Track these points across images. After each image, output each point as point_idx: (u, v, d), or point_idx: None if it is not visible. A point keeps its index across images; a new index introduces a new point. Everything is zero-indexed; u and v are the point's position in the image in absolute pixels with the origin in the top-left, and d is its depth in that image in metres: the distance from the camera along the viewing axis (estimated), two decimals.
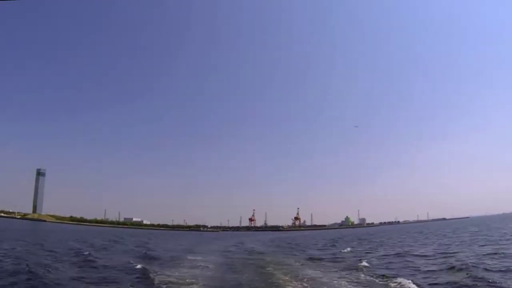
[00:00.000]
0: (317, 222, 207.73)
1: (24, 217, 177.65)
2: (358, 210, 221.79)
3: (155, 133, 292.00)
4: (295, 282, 13.47)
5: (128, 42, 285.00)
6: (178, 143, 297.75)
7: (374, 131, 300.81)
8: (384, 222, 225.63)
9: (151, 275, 14.62)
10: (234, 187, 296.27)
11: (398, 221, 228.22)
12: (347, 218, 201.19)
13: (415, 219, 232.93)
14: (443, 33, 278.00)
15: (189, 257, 23.48)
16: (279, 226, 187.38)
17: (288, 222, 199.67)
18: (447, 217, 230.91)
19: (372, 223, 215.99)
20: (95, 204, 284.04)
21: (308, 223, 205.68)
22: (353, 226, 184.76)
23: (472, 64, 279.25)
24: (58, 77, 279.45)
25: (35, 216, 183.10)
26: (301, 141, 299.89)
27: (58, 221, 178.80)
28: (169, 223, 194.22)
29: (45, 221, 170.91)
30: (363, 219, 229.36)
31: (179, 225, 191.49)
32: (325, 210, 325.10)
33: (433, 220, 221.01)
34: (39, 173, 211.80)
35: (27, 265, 15.64)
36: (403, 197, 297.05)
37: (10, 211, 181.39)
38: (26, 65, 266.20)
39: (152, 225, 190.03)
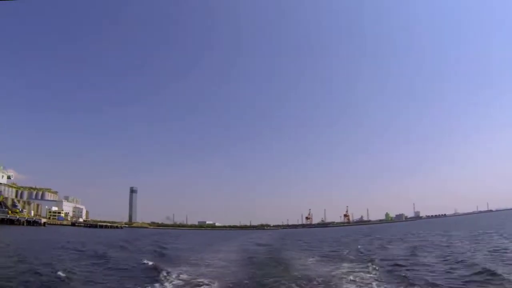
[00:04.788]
0: (374, 216, 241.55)
1: (130, 226, 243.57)
2: (413, 204, 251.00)
3: (219, 138, 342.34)
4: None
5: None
6: (239, 148, 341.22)
7: (434, 124, 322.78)
8: (432, 216, 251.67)
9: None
10: (295, 186, 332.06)
11: (445, 214, 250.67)
12: (386, 215, 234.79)
13: (475, 210, 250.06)
14: (474, 31, 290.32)
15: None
16: (329, 223, 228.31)
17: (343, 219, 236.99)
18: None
19: (421, 217, 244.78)
20: (161, 208, 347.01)
21: (365, 218, 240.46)
22: (392, 221, 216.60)
23: None
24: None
25: (138, 224, 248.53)
26: (360, 138, 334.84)
27: (151, 227, 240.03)
28: (237, 224, 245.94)
29: (147, 227, 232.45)
30: (418, 212, 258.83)
31: (246, 225, 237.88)
32: (385, 204, 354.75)
33: (480, 212, 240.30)
34: (132, 190, 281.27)
35: None
36: (462, 188, 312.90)
37: (115, 221, 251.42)
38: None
39: (224, 226, 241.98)
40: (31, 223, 75.20)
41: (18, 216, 73.93)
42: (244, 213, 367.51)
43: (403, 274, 15.37)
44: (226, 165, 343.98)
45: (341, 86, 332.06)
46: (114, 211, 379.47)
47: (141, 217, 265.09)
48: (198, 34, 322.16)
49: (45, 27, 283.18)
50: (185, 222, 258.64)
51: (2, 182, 72.93)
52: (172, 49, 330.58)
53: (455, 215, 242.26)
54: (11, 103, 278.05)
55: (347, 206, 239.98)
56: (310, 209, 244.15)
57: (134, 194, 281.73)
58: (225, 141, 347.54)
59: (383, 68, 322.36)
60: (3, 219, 67.56)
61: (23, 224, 70.32)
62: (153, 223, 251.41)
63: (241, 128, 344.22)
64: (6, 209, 74.14)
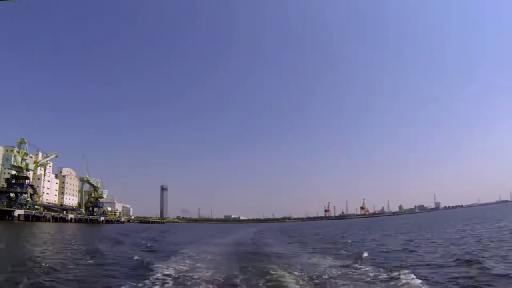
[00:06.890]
0: (396, 208, 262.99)
1: (165, 221, 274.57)
2: (434, 194, 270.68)
3: (243, 136, 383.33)
4: None
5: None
6: (263, 145, 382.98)
7: (458, 114, 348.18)
8: (449, 206, 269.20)
9: None
10: (318, 180, 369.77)
11: (462, 205, 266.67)
12: (400, 207, 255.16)
13: (498, 199, 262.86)
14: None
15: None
16: (346, 215, 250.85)
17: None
18: None
19: (439, 208, 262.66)
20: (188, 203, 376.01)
21: (386, 209, 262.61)
22: (404, 213, 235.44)
23: None
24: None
25: (171, 219, 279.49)
26: (384, 131, 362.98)
27: (182, 221, 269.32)
28: (261, 217, 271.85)
29: (178, 222, 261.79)
30: (438, 203, 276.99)
31: (269, 218, 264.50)
32: (407, 196, 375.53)
33: (498, 202, 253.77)
34: (163, 188, 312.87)
35: None
36: (486, 177, 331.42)
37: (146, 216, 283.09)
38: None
39: (248, 219, 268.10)
40: (116, 221, 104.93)
41: (110, 217, 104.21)
42: (267, 207, 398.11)
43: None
44: (251, 161, 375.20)
45: (363, 83, 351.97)
46: (144, 207, 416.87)
47: (170, 213, 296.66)
48: (218, 35, 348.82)
49: (65, 28, 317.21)
50: (210, 216, 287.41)
51: (104, 197, 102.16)
52: (194, 50, 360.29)
53: (473, 205, 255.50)
54: (40, 106, 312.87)
55: (364, 199, 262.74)
56: (329, 202, 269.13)
57: (164, 192, 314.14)
58: (251, 139, 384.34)
59: (407, 63, 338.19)
60: (106, 220, 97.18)
61: (114, 223, 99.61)
62: (183, 218, 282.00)
63: (265, 126, 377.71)
64: (105, 213, 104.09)
